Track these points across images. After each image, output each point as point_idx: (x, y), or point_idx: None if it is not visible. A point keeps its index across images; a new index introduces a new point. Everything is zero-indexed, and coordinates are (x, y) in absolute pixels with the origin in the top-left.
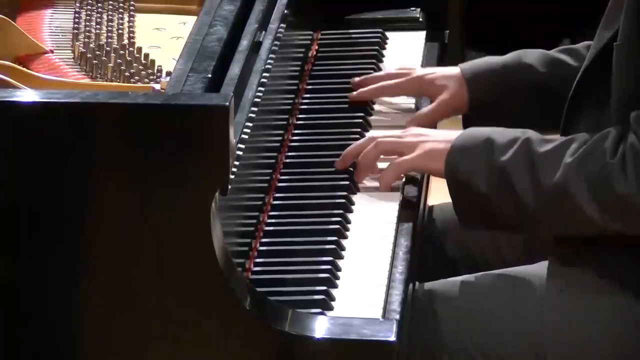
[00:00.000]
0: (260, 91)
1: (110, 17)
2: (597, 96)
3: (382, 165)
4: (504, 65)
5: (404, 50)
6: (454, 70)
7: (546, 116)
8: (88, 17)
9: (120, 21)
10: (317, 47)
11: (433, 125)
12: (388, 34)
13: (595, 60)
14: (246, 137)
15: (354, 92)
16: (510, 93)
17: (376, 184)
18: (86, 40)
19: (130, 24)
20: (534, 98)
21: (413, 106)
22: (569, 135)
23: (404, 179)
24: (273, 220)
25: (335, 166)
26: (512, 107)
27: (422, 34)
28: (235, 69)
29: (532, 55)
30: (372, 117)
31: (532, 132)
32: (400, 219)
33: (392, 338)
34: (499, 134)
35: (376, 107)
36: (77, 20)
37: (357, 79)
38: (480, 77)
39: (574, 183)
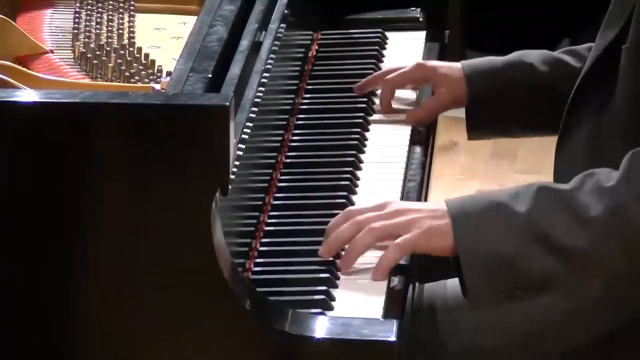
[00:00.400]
0: (260, 91)
1: (110, 17)
2: (598, 98)
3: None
4: (504, 63)
5: (404, 50)
6: (455, 65)
7: (545, 116)
8: (88, 17)
9: (120, 21)
10: (317, 47)
11: (434, 119)
12: (388, 34)
13: (597, 63)
14: (246, 137)
15: (358, 84)
16: (509, 90)
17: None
18: (86, 40)
19: (130, 24)
20: (533, 97)
21: (412, 107)
22: (566, 136)
23: (403, 176)
24: (273, 220)
25: (319, 254)
26: (511, 105)
27: (422, 34)
28: (235, 69)
29: (533, 55)
30: (372, 117)
31: (529, 183)
32: None
33: (392, 338)
34: (496, 193)
35: (377, 107)
36: (77, 20)
37: (357, 84)
38: (480, 73)
39: (627, 202)
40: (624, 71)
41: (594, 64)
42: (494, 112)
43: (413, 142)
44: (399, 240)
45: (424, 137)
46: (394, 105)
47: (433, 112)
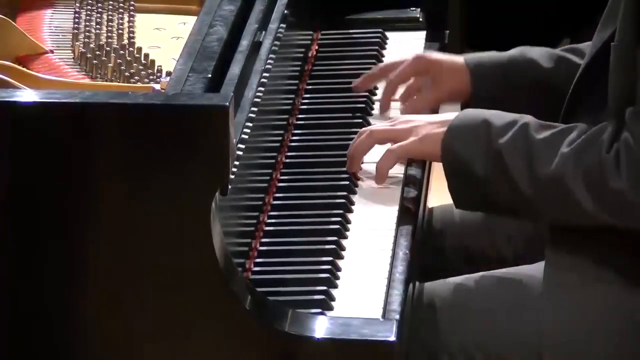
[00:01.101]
0: (260, 91)
1: (110, 17)
2: (596, 95)
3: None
4: (508, 59)
5: (404, 51)
6: (457, 58)
7: (547, 112)
8: (88, 17)
9: (120, 21)
10: (317, 47)
11: (433, 111)
12: (388, 34)
13: (594, 60)
14: (246, 137)
15: (358, 80)
16: (513, 86)
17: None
18: (86, 40)
19: (130, 24)
20: (536, 93)
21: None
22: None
23: (402, 176)
24: (273, 220)
25: (347, 168)
26: (514, 101)
27: (422, 34)
28: (235, 69)
29: (536, 51)
30: (372, 117)
31: (530, 117)
32: (400, 219)
33: (392, 338)
34: (497, 116)
35: (375, 110)
36: (77, 20)
37: (357, 81)
38: (484, 69)
39: (569, 174)
40: (612, 69)
41: (590, 62)
42: (497, 107)
43: None
44: (394, 146)
45: None
46: (391, 111)
47: (430, 103)
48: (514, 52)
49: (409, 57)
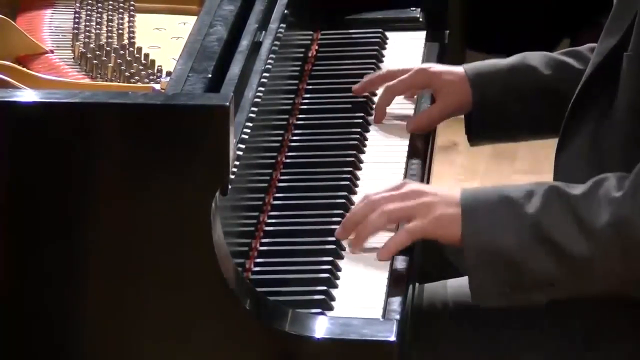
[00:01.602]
0: (260, 91)
1: (110, 17)
2: (599, 105)
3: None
4: (508, 67)
5: (404, 50)
6: (457, 69)
7: (549, 119)
8: (88, 17)
9: (120, 21)
10: (317, 47)
11: (435, 126)
12: (388, 34)
13: (599, 68)
14: (246, 137)
15: (357, 85)
16: (514, 94)
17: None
18: (86, 40)
19: (130, 24)
20: (538, 100)
21: (412, 112)
22: (567, 139)
23: (402, 177)
24: (273, 220)
25: (336, 236)
26: (516, 109)
27: (422, 34)
28: (235, 69)
29: (535, 57)
30: (372, 117)
31: (546, 181)
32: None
33: (392, 338)
34: (510, 189)
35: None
36: (77, 20)
37: (356, 86)
38: (484, 78)
39: (631, 216)
40: (625, 78)
41: (595, 69)
42: (500, 116)
43: (413, 142)
44: (409, 225)
45: (423, 137)
46: (391, 111)
47: (436, 120)
48: (514, 59)
49: (411, 68)
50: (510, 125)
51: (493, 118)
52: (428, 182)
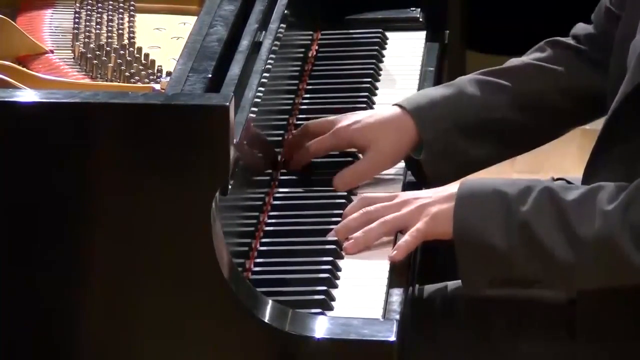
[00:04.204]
0: (260, 91)
1: (110, 17)
2: (626, 143)
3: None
4: (446, 95)
5: (404, 50)
6: (387, 113)
7: (497, 146)
8: (88, 17)
9: (120, 21)
10: (317, 47)
11: (365, 180)
12: (388, 34)
13: (635, 90)
14: None
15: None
16: (459, 123)
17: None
18: (86, 40)
19: (130, 24)
20: (481, 126)
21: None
22: (591, 181)
23: (403, 177)
24: (273, 220)
25: (329, 236)
26: (464, 140)
27: (422, 34)
28: (235, 69)
29: (468, 83)
30: None
31: (544, 180)
32: None
33: (392, 338)
34: (507, 184)
35: (376, 107)
36: (77, 20)
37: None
38: (426, 110)
39: (617, 232)
40: None
41: (632, 91)
42: (453, 156)
43: None
44: (412, 232)
45: None
46: None
47: (364, 176)
48: (448, 86)
49: (330, 124)
50: (460, 157)
51: (440, 157)
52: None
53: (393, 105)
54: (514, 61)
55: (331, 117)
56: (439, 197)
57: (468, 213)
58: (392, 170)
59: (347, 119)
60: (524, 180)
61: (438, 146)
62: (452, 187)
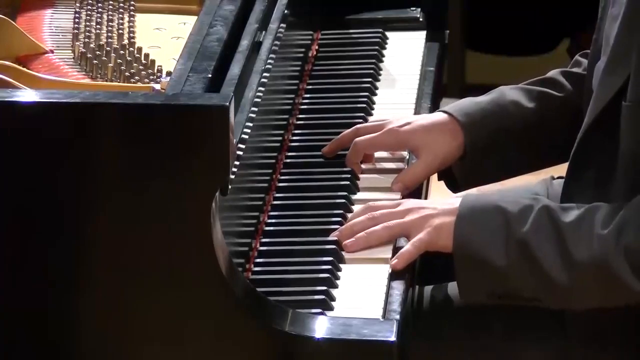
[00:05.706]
0: (260, 91)
1: (110, 17)
2: (604, 152)
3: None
4: (492, 103)
5: (404, 50)
6: (436, 118)
7: (539, 151)
8: (88, 17)
9: (120, 21)
10: (317, 47)
11: (422, 182)
12: (388, 34)
13: (598, 117)
14: (246, 137)
15: (326, 148)
16: (505, 131)
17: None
18: (86, 40)
19: (130, 24)
20: (526, 135)
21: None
22: (571, 196)
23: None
24: (273, 220)
25: (331, 236)
26: (507, 147)
27: (422, 34)
28: (235, 69)
29: (514, 92)
30: (372, 117)
31: (544, 198)
32: None
33: (392, 338)
34: (509, 201)
35: (375, 110)
36: (77, 20)
37: (326, 147)
38: (474, 117)
39: (612, 256)
40: (623, 128)
41: (594, 119)
42: (491, 156)
43: None
44: (415, 241)
45: None
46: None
47: (420, 181)
48: (494, 95)
49: (382, 124)
50: (504, 163)
51: (486, 160)
52: (428, 184)
53: (437, 111)
54: (554, 72)
55: (380, 119)
56: (443, 210)
57: (468, 228)
58: (392, 171)
59: (398, 121)
60: (526, 198)
61: (480, 144)
62: (457, 201)
